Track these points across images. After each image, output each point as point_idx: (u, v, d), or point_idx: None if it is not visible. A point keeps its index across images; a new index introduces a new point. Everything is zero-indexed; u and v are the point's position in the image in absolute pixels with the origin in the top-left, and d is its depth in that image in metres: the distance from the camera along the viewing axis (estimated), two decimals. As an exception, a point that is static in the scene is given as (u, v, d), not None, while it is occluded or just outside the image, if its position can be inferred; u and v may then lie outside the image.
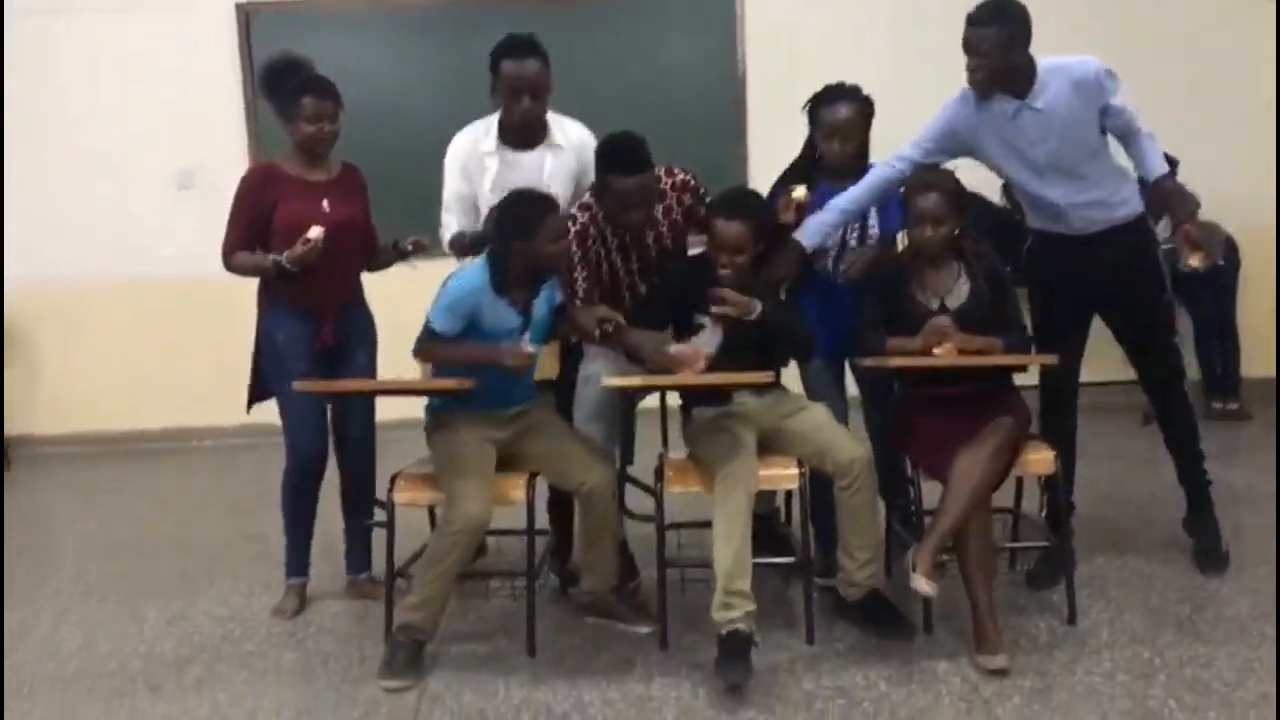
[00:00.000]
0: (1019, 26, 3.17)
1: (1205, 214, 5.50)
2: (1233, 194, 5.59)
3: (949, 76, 5.83)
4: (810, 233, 3.26)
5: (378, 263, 3.56)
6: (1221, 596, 3.30)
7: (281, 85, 3.35)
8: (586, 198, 3.28)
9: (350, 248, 3.41)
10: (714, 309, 3.07)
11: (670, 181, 3.31)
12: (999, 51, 3.16)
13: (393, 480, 3.19)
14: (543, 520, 3.35)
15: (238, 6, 5.97)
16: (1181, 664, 2.87)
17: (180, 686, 3.01)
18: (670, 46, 6.01)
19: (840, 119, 3.28)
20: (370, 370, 3.49)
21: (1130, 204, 3.37)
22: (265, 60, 3.46)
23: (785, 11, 6.04)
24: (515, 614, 3.21)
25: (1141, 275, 3.40)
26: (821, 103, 3.33)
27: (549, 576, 3.53)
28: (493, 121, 3.40)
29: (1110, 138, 3.32)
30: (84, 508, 5.00)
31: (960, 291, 3.19)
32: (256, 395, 3.49)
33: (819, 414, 3.19)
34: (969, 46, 3.19)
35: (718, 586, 2.89)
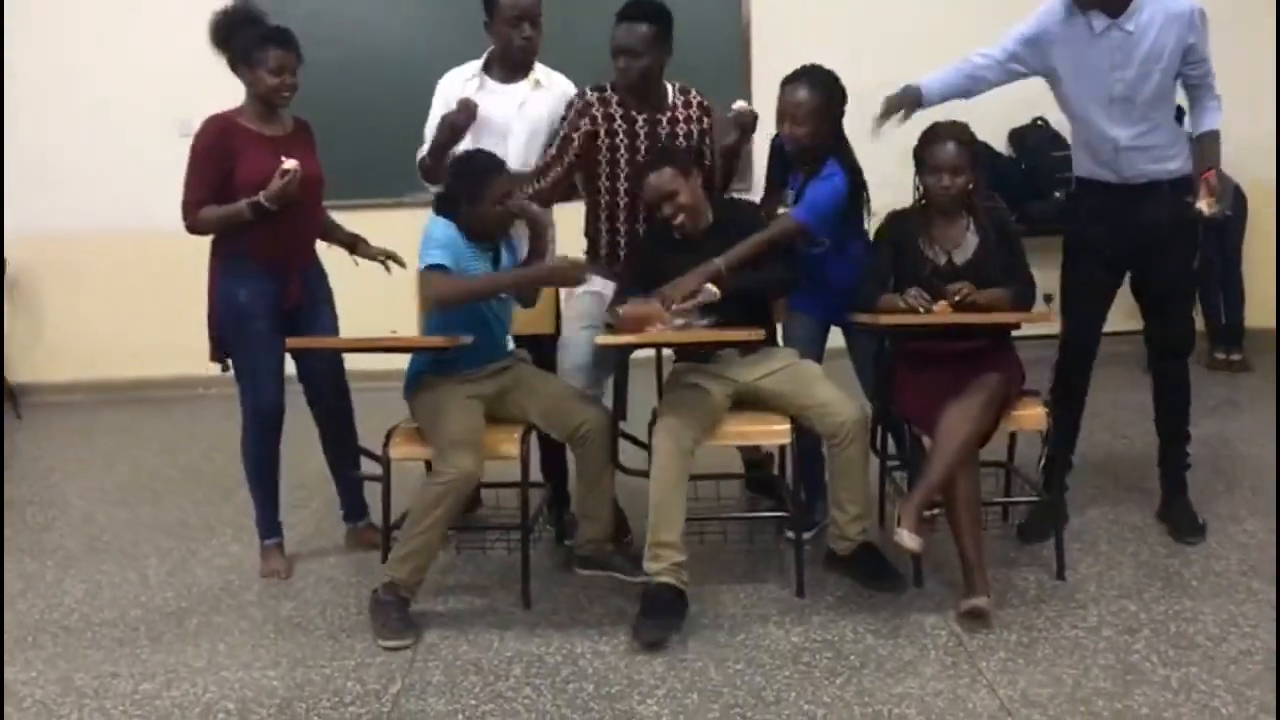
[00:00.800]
0: None
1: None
2: (1240, 144, 5.52)
3: (961, 28, 5.80)
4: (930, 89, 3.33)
5: (326, 230, 3.55)
6: (1210, 550, 3.33)
7: (238, 35, 3.29)
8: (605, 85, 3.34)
9: (310, 202, 3.37)
10: (674, 308, 3.04)
11: (688, 99, 3.39)
12: None
13: (388, 435, 3.21)
14: (537, 474, 3.38)
15: (237, -48, 5.90)
16: (1166, 619, 2.90)
17: (180, 636, 3.06)
18: (678, 6, 5.91)
19: (794, 100, 3.22)
20: (335, 327, 3.49)
21: (1180, 162, 3.32)
22: (220, 10, 3.36)
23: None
24: (511, 566, 3.25)
25: (1177, 235, 3.35)
26: (782, 85, 3.27)
27: (544, 529, 3.57)
28: (479, 61, 3.49)
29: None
30: (88, 456, 5.04)
31: (968, 245, 3.18)
32: (220, 354, 3.45)
33: (808, 371, 3.20)
34: None
35: (647, 537, 2.94)
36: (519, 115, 3.44)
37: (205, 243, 3.37)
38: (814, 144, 3.25)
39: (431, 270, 3.03)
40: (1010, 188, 5.71)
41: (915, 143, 3.18)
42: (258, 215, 3.18)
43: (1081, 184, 3.47)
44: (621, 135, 3.31)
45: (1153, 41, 3.17)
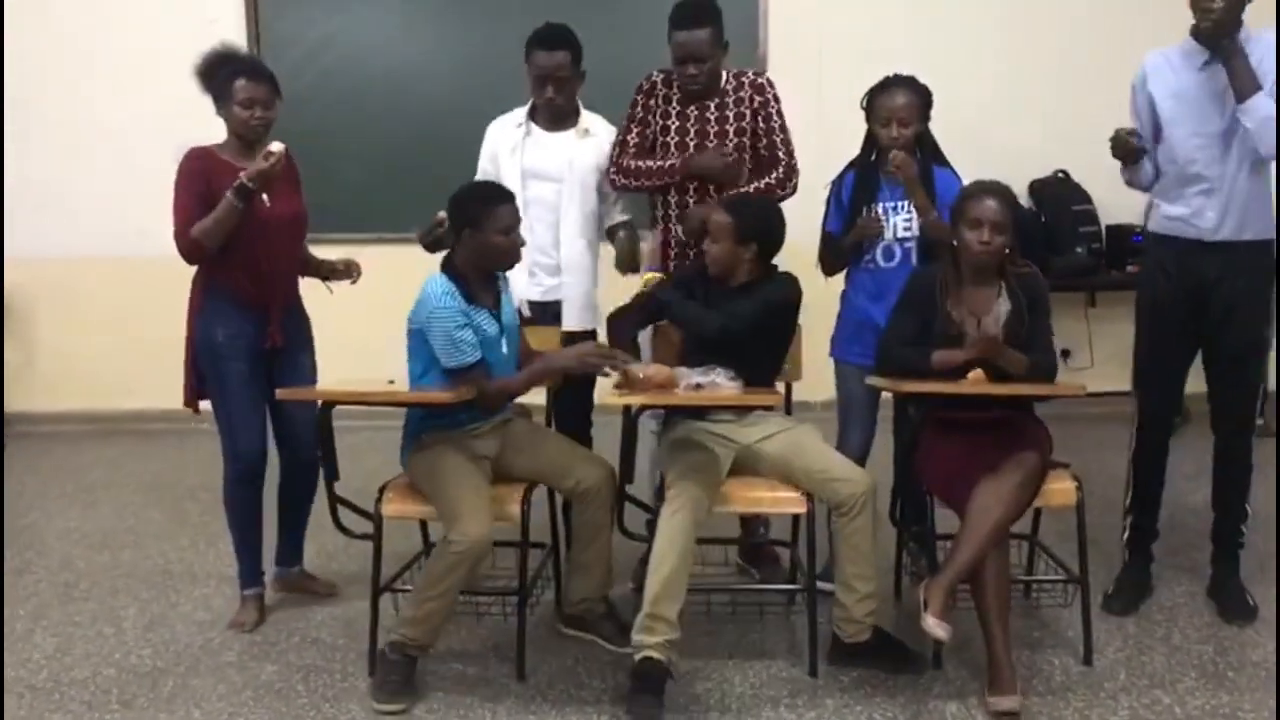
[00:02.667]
0: None
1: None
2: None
3: (976, 64, 5.69)
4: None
5: (318, 269, 3.43)
6: (1245, 638, 3.15)
7: (217, 73, 3.21)
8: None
9: (293, 239, 3.30)
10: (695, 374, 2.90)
11: (744, 80, 3.41)
12: (1228, 7, 3.00)
13: (381, 491, 3.04)
14: (537, 534, 3.19)
15: (247, -21, 5.80)
16: (1203, 714, 2.72)
17: (153, 701, 2.88)
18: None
19: (897, 104, 3.21)
20: (313, 374, 3.36)
21: (1265, 224, 3.21)
22: (205, 52, 3.30)
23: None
24: (507, 632, 3.06)
25: (1253, 299, 3.23)
26: (878, 93, 3.27)
27: (543, 593, 3.37)
28: (524, 108, 3.53)
29: None
30: (75, 492, 4.86)
31: (999, 312, 3.02)
32: (195, 395, 3.32)
33: (806, 437, 3.05)
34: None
35: (643, 608, 2.76)
36: (569, 169, 3.45)
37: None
38: (912, 146, 3.23)
39: (474, 371, 2.89)
40: (1031, 241, 5.58)
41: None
42: (243, 198, 3.03)
43: (1155, 241, 3.33)
44: (674, 119, 3.39)
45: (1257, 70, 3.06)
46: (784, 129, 3.46)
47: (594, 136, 3.49)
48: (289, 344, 3.28)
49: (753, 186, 3.38)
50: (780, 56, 5.84)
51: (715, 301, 3.07)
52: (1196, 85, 3.14)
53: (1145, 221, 3.40)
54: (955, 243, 3.04)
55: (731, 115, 3.40)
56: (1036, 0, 5.80)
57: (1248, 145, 3.09)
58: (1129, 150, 3.20)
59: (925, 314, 3.04)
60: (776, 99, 3.45)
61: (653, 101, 3.43)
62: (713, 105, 3.40)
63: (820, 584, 3.09)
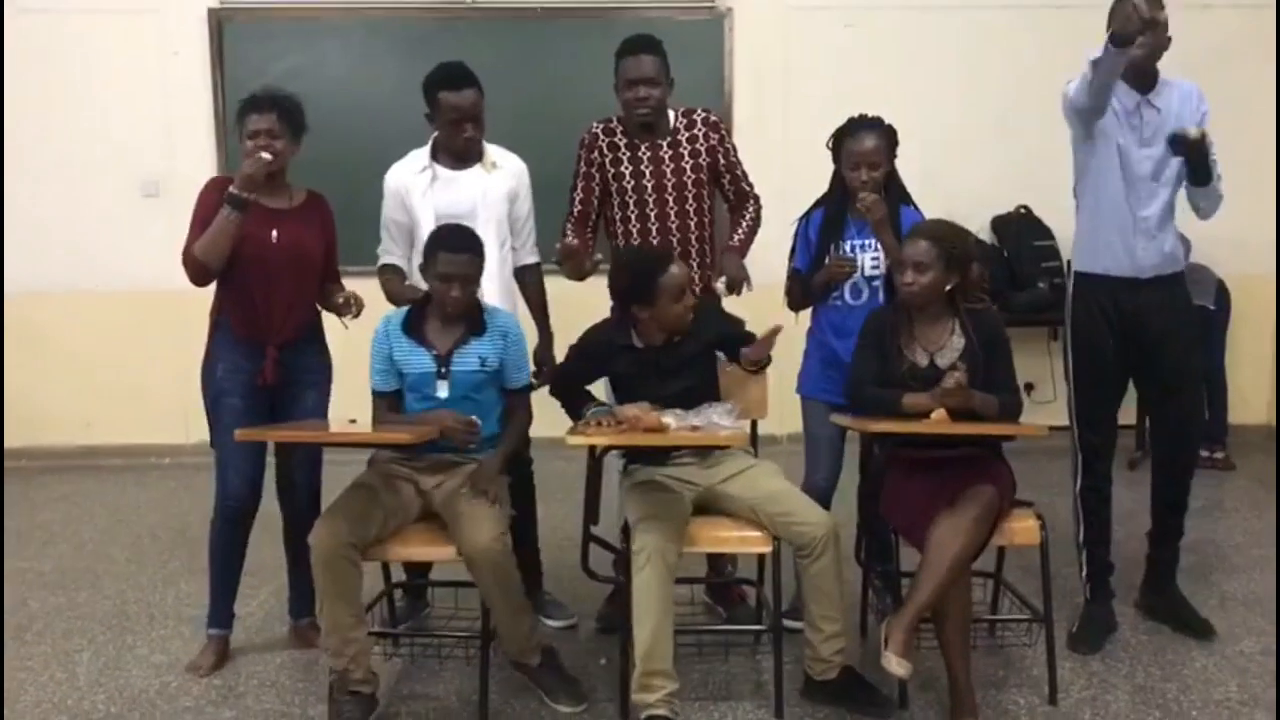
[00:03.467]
0: None
1: (1196, 257, 5.46)
2: (1224, 238, 5.49)
3: (939, 101, 5.77)
4: None
5: (327, 302, 3.36)
6: (1208, 675, 3.15)
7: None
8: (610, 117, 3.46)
9: (297, 280, 3.22)
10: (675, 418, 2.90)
11: (696, 119, 3.44)
12: (1165, 30, 3.12)
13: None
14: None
15: (210, 11, 5.79)
16: (1167, 755, 2.72)
17: (106, 749, 2.82)
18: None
19: (866, 148, 3.25)
20: (319, 413, 3.29)
21: (1179, 258, 3.36)
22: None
23: (773, 41, 5.92)
24: (470, 676, 3.03)
25: (1184, 325, 3.37)
26: (846, 135, 3.31)
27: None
28: (421, 150, 3.46)
29: None
30: (29, 529, 4.77)
31: (952, 348, 3.04)
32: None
33: (767, 477, 3.04)
34: (1150, 22, 3.01)
35: (637, 666, 2.73)
36: (483, 203, 3.40)
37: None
38: (881, 186, 3.28)
39: (376, 400, 3.11)
40: (993, 276, 5.64)
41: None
42: (237, 207, 3.02)
43: (1083, 280, 3.38)
44: (626, 164, 3.38)
45: (1175, 120, 3.20)
46: (740, 162, 3.52)
47: (500, 168, 3.44)
48: (291, 382, 3.22)
49: (740, 232, 3.48)
50: (746, 96, 5.91)
51: (668, 359, 3.07)
52: (1124, 126, 3.22)
53: (1073, 260, 3.46)
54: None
55: (686, 153, 3.41)
56: (998, 38, 5.88)
57: (1170, 187, 3.25)
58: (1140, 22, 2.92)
59: (882, 351, 3.06)
60: (729, 134, 3.51)
61: (595, 154, 3.44)
62: (665, 144, 3.41)
63: (787, 622, 3.07)
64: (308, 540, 2.81)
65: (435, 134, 3.42)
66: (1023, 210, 5.98)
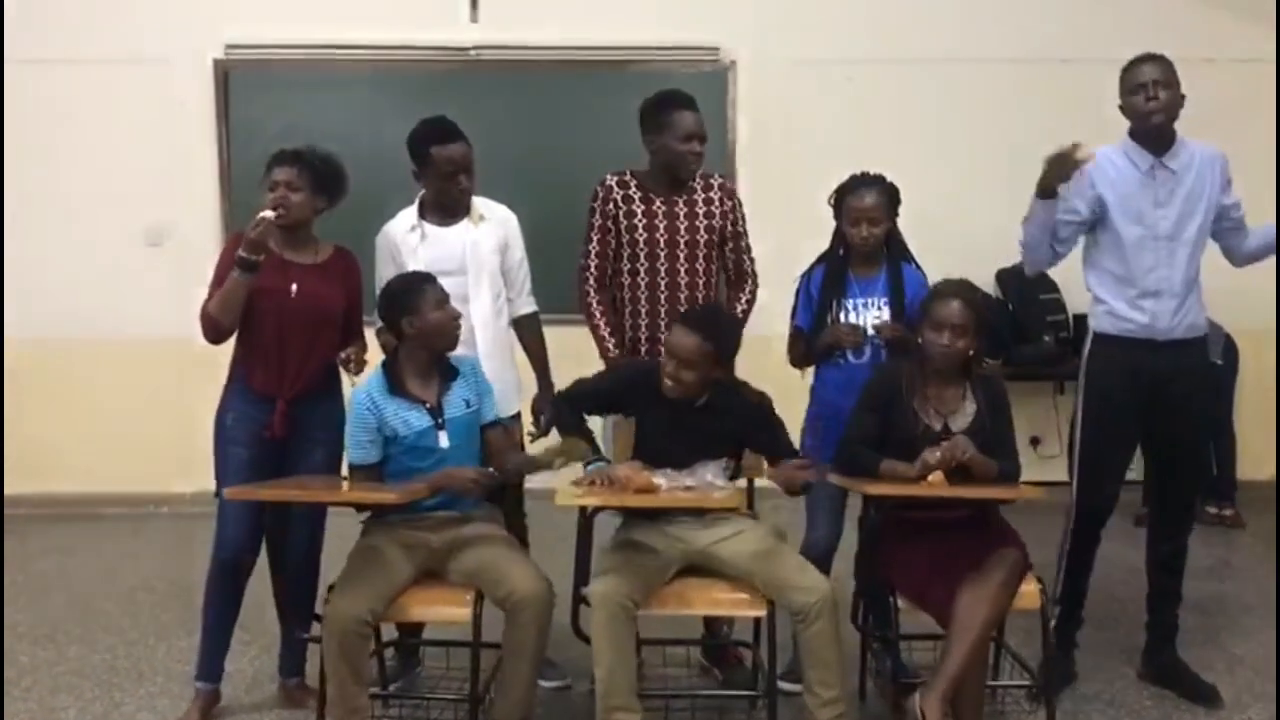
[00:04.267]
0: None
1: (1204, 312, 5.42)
2: (1231, 291, 5.45)
3: (942, 153, 5.76)
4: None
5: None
6: (1217, 741, 3.09)
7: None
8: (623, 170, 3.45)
9: (313, 334, 3.18)
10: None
11: (713, 183, 3.47)
12: (1176, 89, 3.17)
13: (329, 590, 2.96)
14: (490, 634, 3.10)
15: (216, 62, 5.82)
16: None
17: (86, 813, 2.77)
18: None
19: (866, 205, 3.26)
20: (329, 470, 3.23)
21: (1202, 320, 3.34)
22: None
23: (776, 93, 5.94)
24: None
25: (1202, 390, 3.36)
26: (847, 192, 3.31)
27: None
28: (407, 210, 3.43)
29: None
30: (22, 580, 4.73)
31: (966, 412, 3.01)
32: None
33: (765, 540, 2.98)
34: (1149, 76, 3.16)
35: (598, 704, 2.74)
36: (473, 256, 3.38)
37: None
38: (881, 243, 3.32)
39: (360, 473, 3.03)
40: (998, 331, 5.60)
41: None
42: (246, 269, 3.01)
43: (1102, 340, 3.34)
44: (640, 217, 3.36)
45: (1194, 180, 3.22)
46: (746, 235, 3.53)
47: (488, 220, 3.42)
48: (303, 438, 3.19)
49: (738, 309, 3.49)
50: (749, 147, 5.92)
51: (684, 425, 3.02)
52: (1140, 186, 3.22)
53: (1091, 320, 3.42)
54: (920, 341, 3.03)
55: (702, 214, 3.41)
56: (1002, 91, 5.89)
57: (1189, 247, 3.22)
58: (1068, 167, 3.08)
59: (888, 411, 3.02)
60: (741, 204, 3.51)
61: (611, 206, 3.41)
62: (681, 201, 3.41)
63: (784, 684, 3.05)
64: (318, 610, 2.79)
65: (422, 192, 3.41)
66: (1028, 263, 5.94)
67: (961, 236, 5.42)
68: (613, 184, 3.43)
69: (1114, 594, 4.34)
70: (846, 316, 3.33)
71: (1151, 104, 3.15)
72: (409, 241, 3.37)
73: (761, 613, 2.90)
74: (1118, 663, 3.61)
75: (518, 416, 3.46)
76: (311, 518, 3.28)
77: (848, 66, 5.94)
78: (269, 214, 3.04)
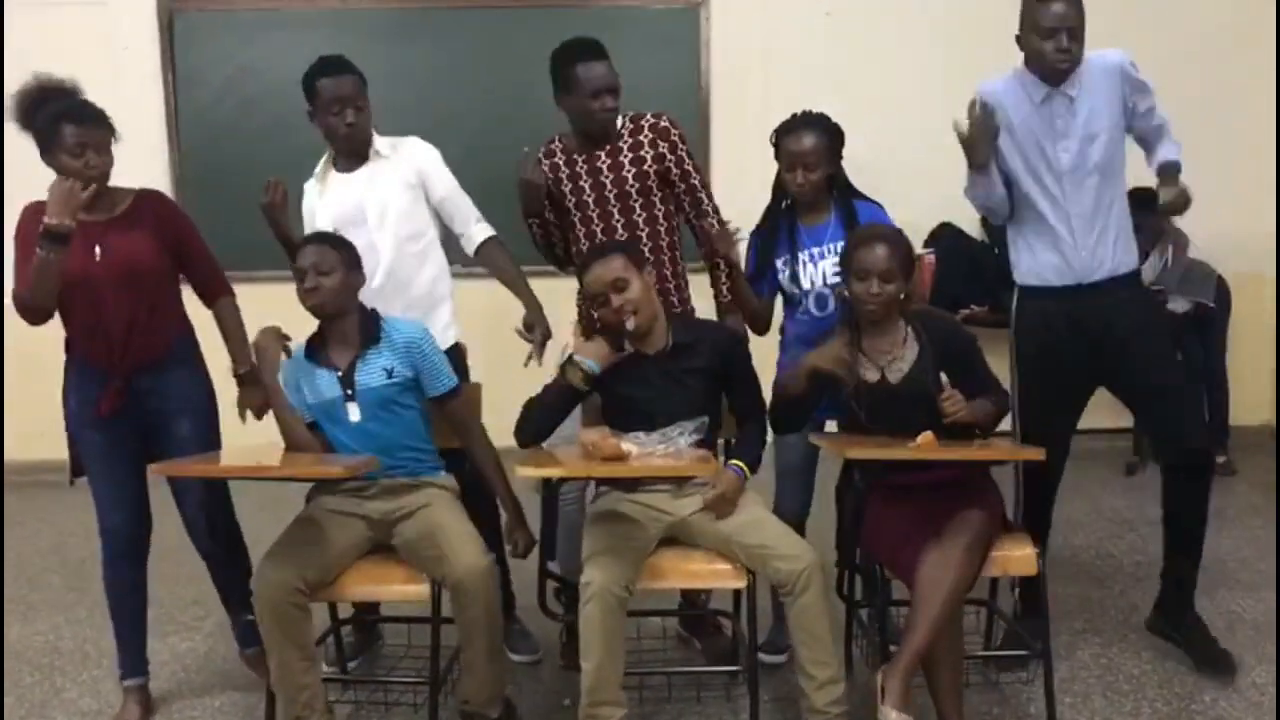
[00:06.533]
0: None
1: (1196, 253, 5.25)
2: (1224, 235, 5.29)
3: (917, 100, 5.53)
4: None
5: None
6: (1219, 710, 2.92)
7: (35, 116, 2.82)
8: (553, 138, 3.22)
9: (134, 297, 2.84)
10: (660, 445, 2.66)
11: (643, 124, 3.18)
12: (1081, 23, 2.88)
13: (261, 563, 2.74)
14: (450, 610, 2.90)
15: (160, 4, 5.51)
16: (1178, 804, 2.49)
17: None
18: (632, 63, 5.58)
19: (803, 148, 3.01)
20: (197, 442, 2.93)
21: (1134, 256, 3.08)
22: (28, 82, 2.90)
23: (751, 34, 5.68)
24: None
25: (1149, 330, 3.07)
26: (784, 133, 3.06)
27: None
28: (320, 162, 3.26)
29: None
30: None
31: (905, 359, 2.81)
32: (75, 466, 2.99)
33: (746, 507, 2.78)
34: (1062, 22, 2.86)
35: (583, 699, 2.55)
36: (372, 200, 3.14)
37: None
38: (824, 188, 3.09)
39: None
40: (984, 275, 5.41)
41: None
42: (54, 243, 2.62)
43: (1027, 293, 3.13)
44: (566, 181, 3.18)
45: (1096, 103, 2.93)
46: (698, 171, 3.27)
47: (388, 158, 3.18)
48: (157, 411, 2.92)
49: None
50: (722, 88, 5.69)
51: (666, 377, 2.83)
52: (1038, 120, 2.97)
53: (1014, 274, 3.20)
54: (847, 294, 2.83)
55: (628, 161, 3.14)
56: (987, 24, 5.61)
57: (1098, 175, 2.96)
58: (983, 138, 2.93)
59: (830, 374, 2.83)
60: (684, 139, 3.23)
61: (546, 178, 3.19)
62: (604, 154, 3.16)
63: (764, 656, 2.89)
64: (248, 583, 2.62)
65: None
66: (1014, 205, 5.74)
67: (946, 178, 5.15)
68: (541, 156, 3.21)
69: (1106, 550, 4.21)
70: (802, 270, 3.11)
71: (1060, 56, 2.87)
72: (311, 195, 3.20)
73: (741, 584, 2.71)
74: (1111, 625, 3.45)
75: (457, 347, 3.25)
76: (214, 496, 3.03)
77: (827, 1, 5.69)
78: (70, 181, 2.66)
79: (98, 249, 2.81)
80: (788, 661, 2.96)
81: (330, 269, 2.78)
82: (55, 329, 2.88)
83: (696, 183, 3.24)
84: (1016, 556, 2.76)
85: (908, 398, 2.76)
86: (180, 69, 5.52)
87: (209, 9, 5.57)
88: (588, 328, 2.93)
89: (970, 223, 5.63)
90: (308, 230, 3.13)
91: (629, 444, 2.58)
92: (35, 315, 2.76)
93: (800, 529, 3.08)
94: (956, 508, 2.65)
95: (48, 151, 2.78)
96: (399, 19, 5.60)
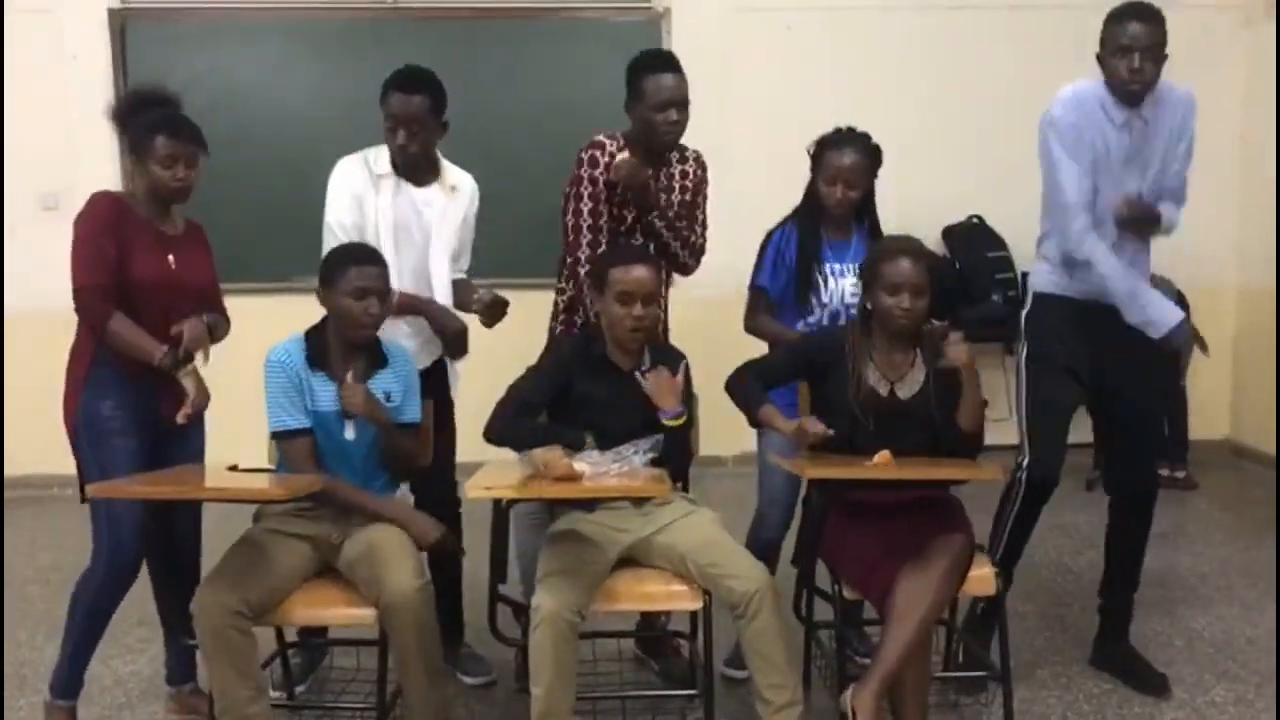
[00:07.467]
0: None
1: (1156, 268, 5.25)
2: (1183, 249, 5.29)
3: (889, 109, 5.52)
4: None
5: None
6: (1180, 731, 2.91)
7: (138, 119, 2.84)
8: (600, 138, 3.13)
9: (198, 307, 2.89)
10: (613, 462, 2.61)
11: (688, 154, 3.26)
12: (1162, 52, 2.86)
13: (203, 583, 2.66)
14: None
15: (111, 12, 5.41)
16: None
17: None
18: (593, 73, 5.56)
19: (846, 164, 3.05)
20: (201, 456, 2.96)
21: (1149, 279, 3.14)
22: (130, 88, 2.95)
23: (713, 43, 5.63)
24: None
25: (1149, 359, 3.07)
26: (828, 147, 3.10)
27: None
28: (381, 151, 3.12)
29: None
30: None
31: (914, 379, 2.79)
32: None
33: (703, 527, 2.74)
34: (1136, 42, 2.82)
35: None
36: (439, 225, 3.16)
37: (74, 325, 2.87)
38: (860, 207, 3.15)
39: (297, 441, 2.74)
40: (946, 290, 5.40)
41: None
42: (165, 365, 2.74)
43: (1043, 300, 3.12)
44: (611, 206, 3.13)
45: (1165, 133, 2.96)
46: (704, 208, 3.30)
47: (459, 193, 3.19)
48: (173, 419, 2.85)
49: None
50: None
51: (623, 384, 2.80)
52: (1116, 143, 2.95)
53: (1033, 278, 3.20)
54: (869, 305, 2.79)
55: (678, 188, 3.21)
56: (948, 40, 5.65)
57: (1161, 192, 3.02)
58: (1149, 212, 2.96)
59: (823, 379, 2.82)
60: (706, 177, 3.29)
61: (597, 171, 3.11)
62: (657, 175, 3.16)
63: (729, 671, 2.91)
64: (189, 607, 2.52)
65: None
66: (975, 220, 5.75)
67: (907, 191, 5.18)
68: (605, 141, 3.14)
69: (1067, 565, 4.21)
70: (824, 281, 3.12)
71: (1133, 76, 2.84)
72: (384, 187, 3.08)
73: (697, 605, 2.65)
74: (1071, 643, 3.43)
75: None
76: (195, 511, 3.00)
77: (788, 14, 5.68)
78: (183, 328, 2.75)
79: (171, 258, 2.86)
80: (747, 681, 2.90)
81: (383, 293, 2.79)
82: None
83: (701, 216, 3.29)
84: (975, 577, 2.71)
85: (916, 416, 2.75)
86: (132, 78, 5.42)
87: (161, 17, 5.47)
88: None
89: (931, 237, 5.64)
90: (335, 208, 3.06)
91: (582, 464, 2.52)
92: (101, 331, 2.77)
93: (776, 551, 3.08)
94: (933, 529, 2.62)
95: (139, 160, 2.82)
96: (354, 30, 5.54)
